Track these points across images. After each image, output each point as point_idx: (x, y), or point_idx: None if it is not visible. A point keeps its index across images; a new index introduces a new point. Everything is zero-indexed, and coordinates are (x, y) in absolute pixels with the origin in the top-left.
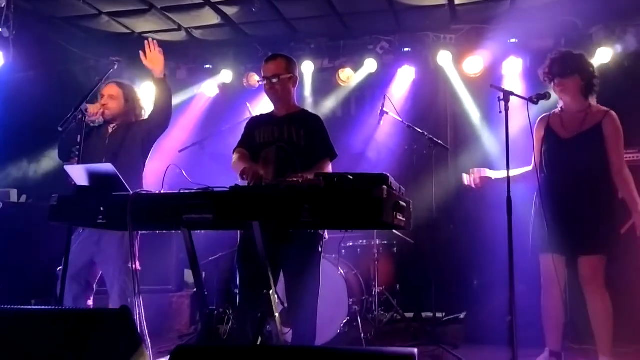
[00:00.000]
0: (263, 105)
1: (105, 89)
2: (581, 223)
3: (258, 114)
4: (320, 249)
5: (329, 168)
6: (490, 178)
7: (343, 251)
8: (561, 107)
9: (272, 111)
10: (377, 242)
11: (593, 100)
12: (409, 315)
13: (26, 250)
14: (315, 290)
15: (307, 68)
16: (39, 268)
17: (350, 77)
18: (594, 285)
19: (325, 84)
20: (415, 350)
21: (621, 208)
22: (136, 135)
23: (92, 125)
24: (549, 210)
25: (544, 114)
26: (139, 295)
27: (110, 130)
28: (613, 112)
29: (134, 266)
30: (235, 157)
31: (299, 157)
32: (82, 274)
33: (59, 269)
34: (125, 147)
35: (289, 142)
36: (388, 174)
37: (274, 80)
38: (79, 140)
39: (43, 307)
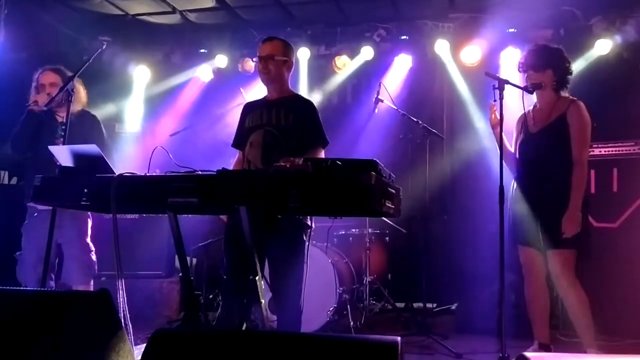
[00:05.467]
0: (257, 91)
1: (44, 77)
2: (548, 217)
3: (252, 100)
4: (305, 238)
5: (321, 155)
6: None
7: (335, 240)
8: (535, 103)
9: (265, 96)
10: (369, 231)
11: (565, 94)
12: (400, 305)
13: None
14: (300, 279)
15: (303, 54)
16: None
17: (346, 65)
18: (565, 279)
19: (321, 70)
20: (399, 339)
21: (589, 201)
22: (93, 129)
23: (39, 114)
24: (522, 202)
25: (526, 110)
26: (121, 278)
27: (59, 120)
28: (580, 102)
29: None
30: (235, 162)
31: (286, 140)
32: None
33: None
34: (84, 137)
35: (277, 125)
36: (377, 160)
37: (269, 61)
38: (64, 120)
39: (20, 288)
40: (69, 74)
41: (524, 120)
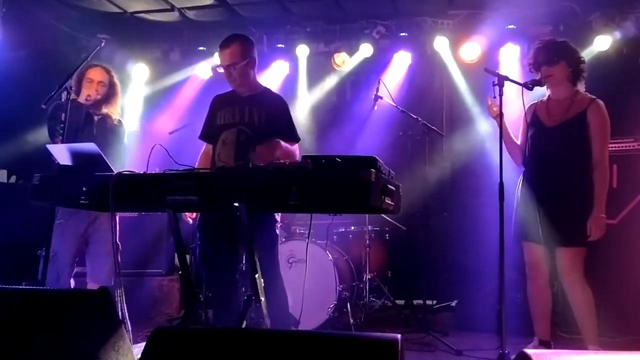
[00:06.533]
0: None
1: (93, 72)
2: (560, 214)
3: (222, 92)
4: (277, 232)
5: (296, 151)
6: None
7: (335, 237)
8: (548, 95)
9: (235, 89)
10: (369, 228)
11: (581, 87)
12: (400, 302)
13: (17, 231)
14: (276, 271)
15: (302, 52)
16: (30, 249)
17: (345, 62)
18: (573, 276)
19: (320, 68)
20: (399, 336)
21: None
22: (119, 134)
23: (78, 105)
24: (530, 198)
25: (534, 101)
26: (119, 276)
27: (96, 119)
28: (600, 101)
29: (115, 247)
30: (201, 154)
31: (259, 139)
32: (78, 253)
33: (39, 251)
34: (112, 140)
35: (250, 125)
36: (377, 157)
37: (231, 69)
38: (63, 118)
39: (21, 286)
40: (114, 74)
41: (534, 111)
